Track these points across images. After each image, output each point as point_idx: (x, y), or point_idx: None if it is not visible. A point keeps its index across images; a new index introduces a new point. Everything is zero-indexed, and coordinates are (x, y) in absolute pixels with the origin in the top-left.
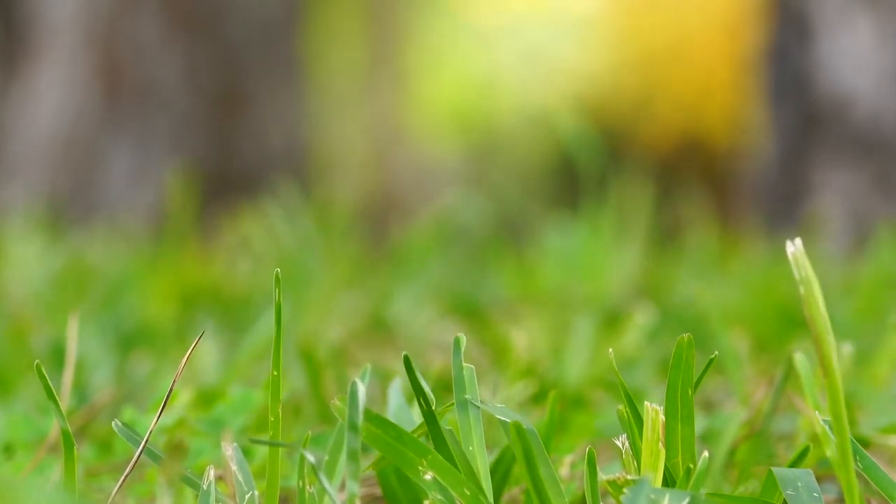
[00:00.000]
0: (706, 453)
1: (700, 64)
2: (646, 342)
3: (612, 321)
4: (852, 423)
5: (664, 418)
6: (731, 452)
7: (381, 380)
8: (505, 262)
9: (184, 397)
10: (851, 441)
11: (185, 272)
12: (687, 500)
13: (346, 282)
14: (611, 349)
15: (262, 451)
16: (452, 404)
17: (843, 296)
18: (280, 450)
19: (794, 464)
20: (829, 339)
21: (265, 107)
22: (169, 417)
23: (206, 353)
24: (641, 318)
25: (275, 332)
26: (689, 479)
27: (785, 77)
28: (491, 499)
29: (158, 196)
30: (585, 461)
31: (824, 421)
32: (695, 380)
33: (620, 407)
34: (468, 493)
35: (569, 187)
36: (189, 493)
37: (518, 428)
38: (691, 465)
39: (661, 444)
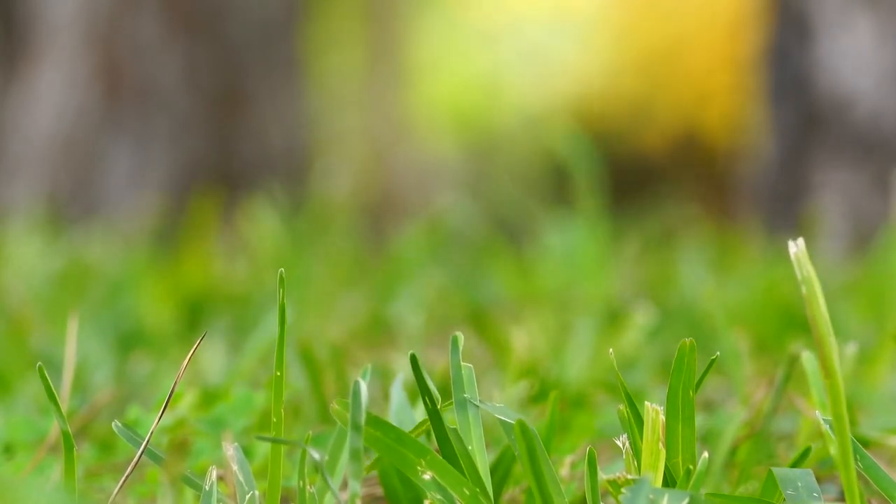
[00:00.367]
0: (706, 453)
1: (699, 64)
2: (646, 342)
3: (612, 321)
4: (853, 422)
5: (664, 418)
6: (732, 452)
7: (382, 379)
8: (505, 262)
9: (187, 398)
10: (852, 441)
11: (184, 272)
12: (686, 500)
13: (346, 282)
14: (611, 349)
15: (262, 452)
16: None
17: (843, 296)
18: (281, 450)
19: (795, 464)
20: (831, 339)
21: (265, 107)
22: (170, 418)
23: (207, 353)
24: (641, 318)
25: (278, 334)
26: (690, 479)
27: (785, 77)
28: (491, 499)
29: (158, 196)
30: (586, 461)
31: (825, 421)
32: (696, 381)
33: (621, 407)
34: (468, 492)
35: (569, 187)
36: (190, 493)
37: (522, 426)
38: (691, 466)
39: (661, 445)
